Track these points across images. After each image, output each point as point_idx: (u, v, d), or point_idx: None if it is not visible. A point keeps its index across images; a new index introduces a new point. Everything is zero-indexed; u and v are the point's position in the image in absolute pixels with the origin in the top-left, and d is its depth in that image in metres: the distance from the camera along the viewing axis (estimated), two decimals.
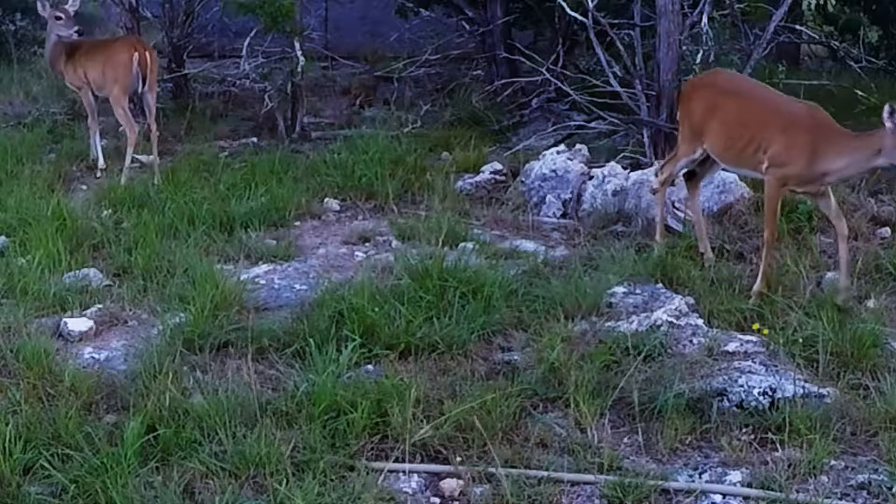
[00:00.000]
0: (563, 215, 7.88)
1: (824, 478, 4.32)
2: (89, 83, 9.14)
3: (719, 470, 4.42)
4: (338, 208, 8.05)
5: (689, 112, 6.59)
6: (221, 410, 4.57)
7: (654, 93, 8.76)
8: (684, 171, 6.75)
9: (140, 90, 8.98)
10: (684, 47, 8.63)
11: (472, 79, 12.01)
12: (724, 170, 6.86)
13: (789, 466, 4.36)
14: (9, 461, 4.25)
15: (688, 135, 6.59)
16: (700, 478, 4.38)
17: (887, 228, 7.17)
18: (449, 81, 11.85)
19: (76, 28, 9.24)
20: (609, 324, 5.61)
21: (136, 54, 8.90)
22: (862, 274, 6.29)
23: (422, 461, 4.46)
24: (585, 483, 4.30)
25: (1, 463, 4.24)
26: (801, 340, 5.32)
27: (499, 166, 8.75)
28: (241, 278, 6.25)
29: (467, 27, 11.74)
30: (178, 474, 4.24)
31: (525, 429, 4.65)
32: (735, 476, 4.36)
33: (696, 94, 6.62)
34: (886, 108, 5.53)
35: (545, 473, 4.30)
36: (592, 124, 9.46)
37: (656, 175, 7.04)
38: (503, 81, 10.75)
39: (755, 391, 4.85)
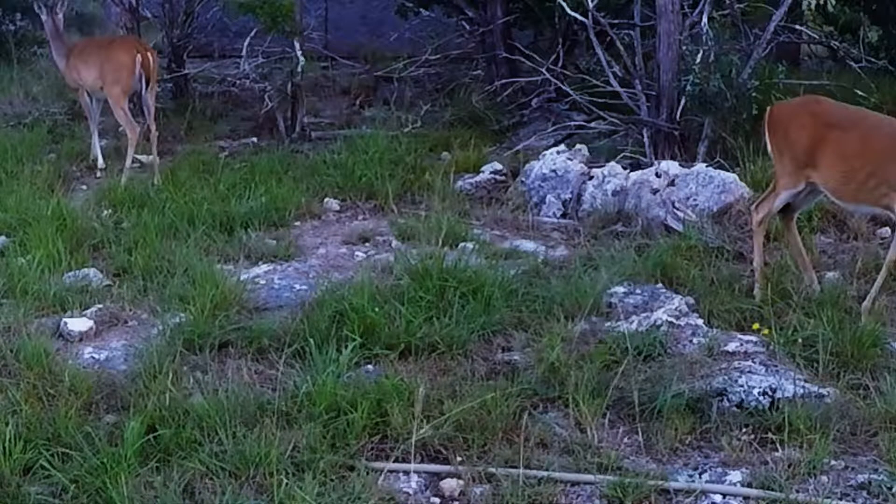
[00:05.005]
0: (563, 215, 7.88)
1: (824, 478, 4.31)
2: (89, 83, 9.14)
3: (719, 470, 4.42)
4: (338, 208, 8.05)
5: (789, 142, 6.00)
6: (221, 410, 4.57)
7: (654, 93, 8.77)
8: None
9: (142, 92, 8.98)
10: (684, 47, 8.64)
11: (472, 79, 12.01)
12: (833, 203, 6.32)
13: (789, 466, 4.36)
14: (9, 461, 4.25)
15: (790, 167, 6.00)
16: (700, 478, 4.37)
17: (887, 228, 7.16)
18: (449, 81, 11.85)
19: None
20: (609, 324, 5.61)
21: (139, 55, 8.90)
22: (862, 274, 6.29)
23: (422, 461, 4.46)
24: (585, 483, 4.30)
25: (1, 463, 4.24)
26: (801, 340, 5.31)
27: (499, 166, 8.75)
28: (241, 278, 6.25)
29: (467, 27, 11.74)
30: (178, 474, 4.23)
31: (525, 429, 4.64)
32: (735, 476, 4.35)
33: (796, 123, 6.01)
34: None
35: (545, 473, 4.29)
36: (592, 124, 9.47)
37: (752, 211, 6.32)
38: (503, 81, 10.75)
39: (755, 391, 4.84)
